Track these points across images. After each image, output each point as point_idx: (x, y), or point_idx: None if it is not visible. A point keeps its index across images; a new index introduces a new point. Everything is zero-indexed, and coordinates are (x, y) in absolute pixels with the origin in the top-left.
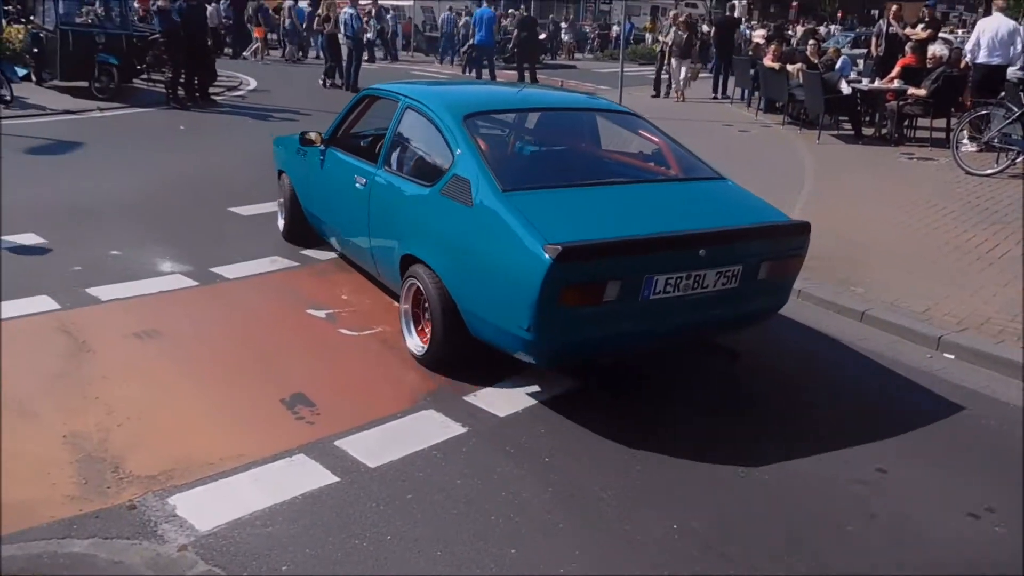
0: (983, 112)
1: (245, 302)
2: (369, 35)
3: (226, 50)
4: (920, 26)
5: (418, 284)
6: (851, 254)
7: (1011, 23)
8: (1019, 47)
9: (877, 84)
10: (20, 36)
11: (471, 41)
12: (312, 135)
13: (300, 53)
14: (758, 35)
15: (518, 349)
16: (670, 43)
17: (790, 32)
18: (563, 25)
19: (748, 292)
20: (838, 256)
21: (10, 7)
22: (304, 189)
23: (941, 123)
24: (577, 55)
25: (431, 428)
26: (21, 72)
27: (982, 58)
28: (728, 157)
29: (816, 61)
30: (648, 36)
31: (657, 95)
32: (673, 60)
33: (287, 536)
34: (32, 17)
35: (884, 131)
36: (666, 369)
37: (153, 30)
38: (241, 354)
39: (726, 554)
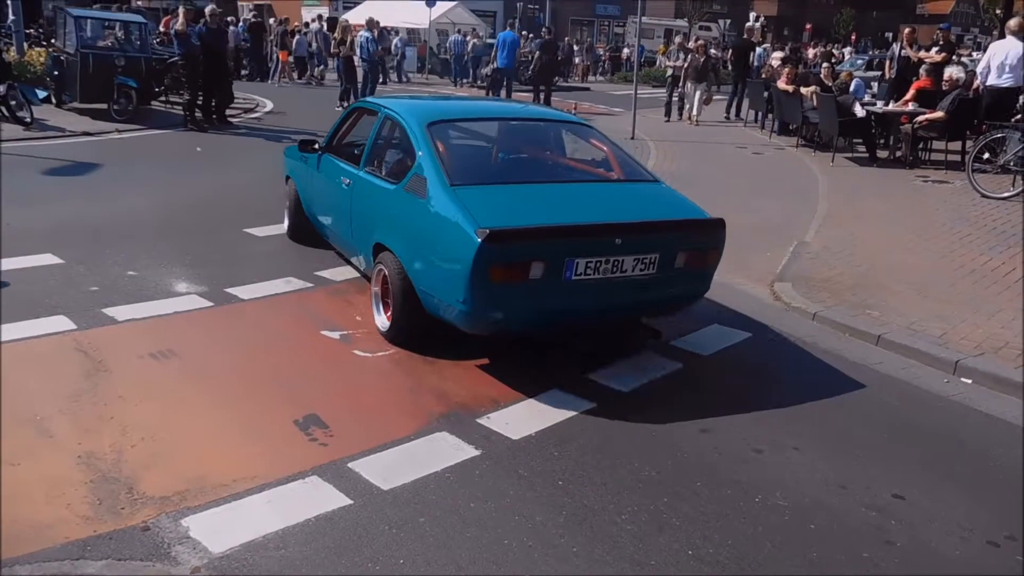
0: (999, 135)
1: (260, 323)
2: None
3: (243, 72)
4: (935, 49)
5: (384, 268)
6: (866, 277)
7: (1022, 46)
8: None
9: (892, 107)
10: (41, 59)
11: (493, 64)
12: (311, 142)
13: (321, 76)
14: (775, 57)
15: (458, 320)
16: (685, 67)
17: (809, 54)
18: (575, 47)
19: (666, 279)
20: (853, 279)
21: (31, 30)
22: (304, 191)
23: (956, 146)
24: (589, 77)
25: (444, 450)
26: (41, 94)
27: (992, 80)
28: (742, 179)
29: (830, 84)
30: (659, 58)
31: (669, 119)
32: (688, 83)
33: (300, 559)
34: (53, 40)
35: (899, 154)
36: (678, 392)
37: (172, 53)
38: (255, 375)
39: None
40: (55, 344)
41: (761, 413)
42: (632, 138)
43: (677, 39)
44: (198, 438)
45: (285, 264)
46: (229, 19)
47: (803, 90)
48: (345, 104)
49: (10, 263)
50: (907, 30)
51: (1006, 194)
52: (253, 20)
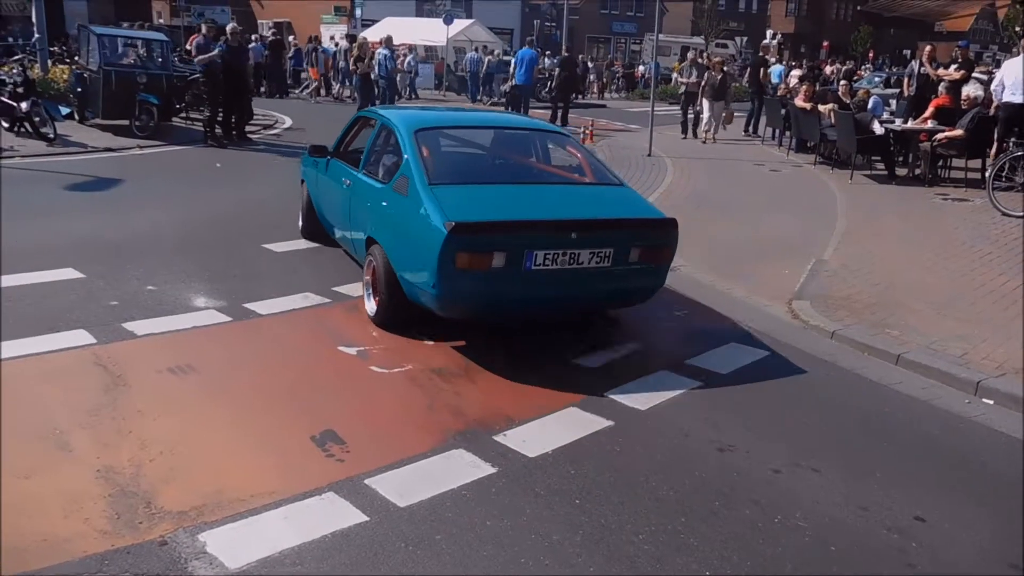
0: (1019, 153)
1: (277, 338)
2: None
3: (262, 89)
4: (953, 67)
5: (373, 259)
6: (885, 296)
7: None
8: None
9: (910, 124)
10: (65, 76)
11: (512, 81)
12: (322, 148)
13: (339, 94)
14: (794, 75)
15: (431, 304)
16: (702, 84)
17: (827, 71)
18: (590, 64)
19: (621, 272)
20: (872, 298)
21: (55, 48)
22: (314, 192)
23: (976, 163)
24: (605, 94)
25: (461, 468)
26: (64, 111)
27: (1006, 97)
28: (759, 196)
29: (848, 101)
30: (674, 76)
31: (685, 136)
32: (705, 101)
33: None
34: (77, 58)
35: (918, 171)
36: (695, 411)
37: (194, 70)
38: (273, 390)
39: None
40: (75, 358)
41: (779, 432)
42: (649, 155)
43: (689, 55)
44: (216, 453)
45: (303, 279)
46: (253, 37)
47: (821, 108)
48: None
49: (31, 277)
50: (926, 48)
51: None
52: (272, 38)
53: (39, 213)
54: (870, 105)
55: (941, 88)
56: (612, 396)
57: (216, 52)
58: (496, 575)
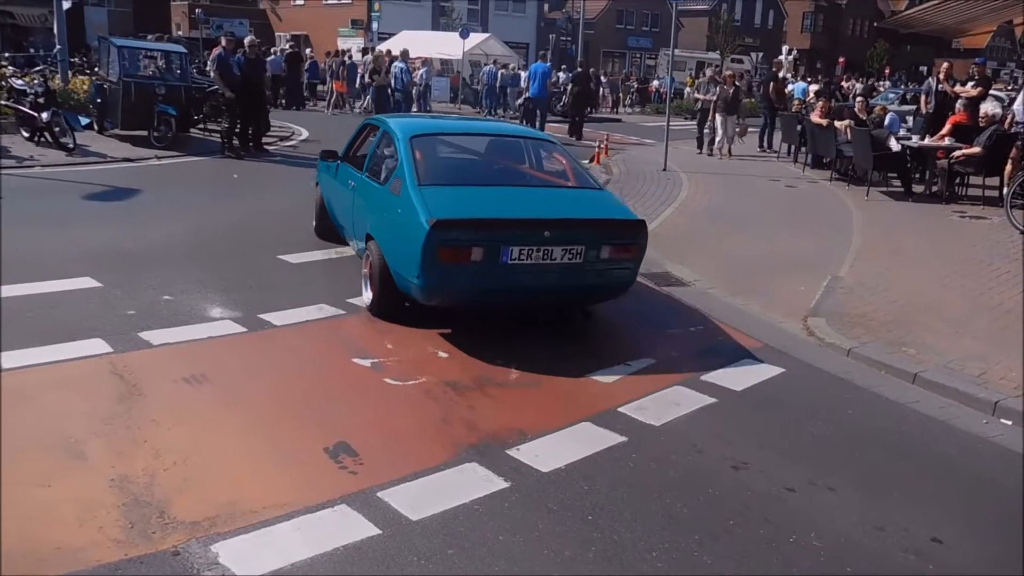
0: None
1: (292, 349)
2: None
3: (279, 101)
4: (970, 84)
5: (370, 254)
6: (902, 314)
7: None
8: None
9: (928, 141)
10: (85, 87)
11: (526, 94)
12: (332, 152)
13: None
14: (811, 90)
15: (417, 294)
16: (715, 99)
17: (847, 86)
18: (603, 79)
19: (593, 268)
20: (888, 315)
21: (76, 59)
22: (326, 194)
23: (994, 181)
24: (619, 109)
25: (473, 482)
26: (84, 121)
27: (1021, 116)
28: (775, 212)
29: (864, 117)
30: (687, 90)
31: (701, 151)
32: (718, 116)
33: None
34: (97, 69)
35: (935, 189)
36: (710, 428)
37: (212, 82)
38: (287, 401)
39: None
40: (91, 367)
41: (795, 451)
42: (664, 169)
43: (708, 71)
44: (229, 463)
45: (318, 291)
46: (272, 49)
47: (837, 124)
48: None
49: (50, 286)
50: (943, 64)
51: None
52: (290, 50)
53: (58, 222)
54: (887, 122)
55: (958, 105)
56: (626, 411)
57: (225, 83)
58: None
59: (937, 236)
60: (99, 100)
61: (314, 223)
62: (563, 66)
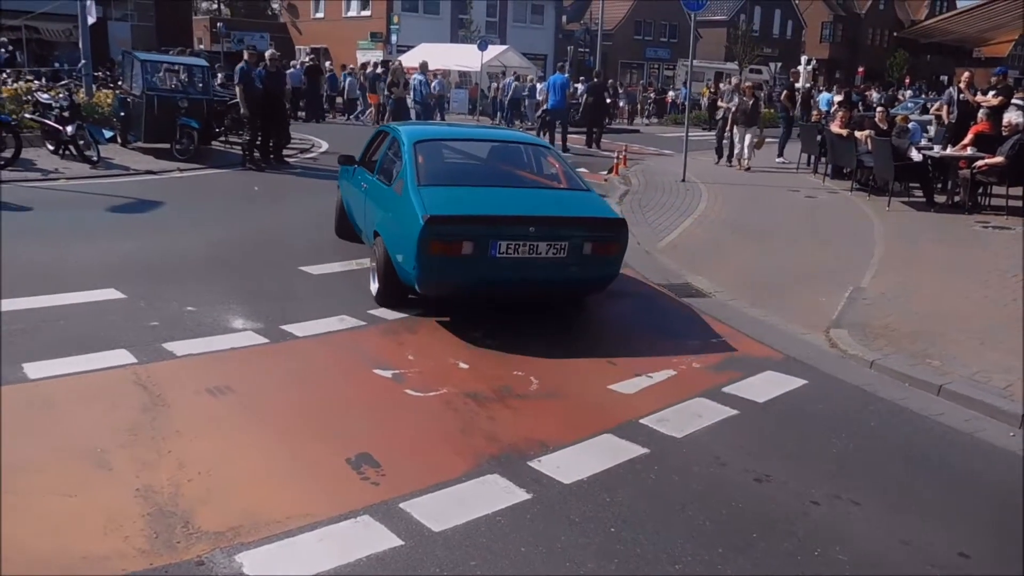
0: None
1: (314, 360)
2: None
3: (299, 114)
4: (991, 93)
5: (377, 249)
6: (925, 325)
7: None
8: None
9: (949, 151)
10: (108, 100)
11: (544, 106)
12: (350, 157)
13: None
14: (837, 99)
15: (412, 284)
16: (733, 109)
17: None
18: (620, 90)
19: (577, 262)
20: (911, 327)
21: (100, 73)
22: (345, 196)
23: (1017, 191)
24: (637, 120)
25: (495, 493)
26: (108, 134)
27: None
28: (795, 222)
29: (884, 127)
30: (703, 100)
31: (719, 162)
32: (736, 128)
33: None
34: (120, 83)
35: (957, 199)
36: (732, 440)
37: (234, 95)
38: (309, 412)
39: None
40: (115, 378)
41: (818, 463)
42: (683, 180)
43: (734, 79)
44: (252, 474)
45: (339, 302)
46: (292, 62)
47: (857, 134)
48: None
49: (74, 297)
50: (964, 74)
51: None
52: (310, 63)
53: (82, 234)
54: (910, 131)
55: (981, 114)
56: (647, 423)
57: (247, 96)
58: None
59: (960, 247)
60: (122, 113)
61: (335, 224)
62: (581, 77)
